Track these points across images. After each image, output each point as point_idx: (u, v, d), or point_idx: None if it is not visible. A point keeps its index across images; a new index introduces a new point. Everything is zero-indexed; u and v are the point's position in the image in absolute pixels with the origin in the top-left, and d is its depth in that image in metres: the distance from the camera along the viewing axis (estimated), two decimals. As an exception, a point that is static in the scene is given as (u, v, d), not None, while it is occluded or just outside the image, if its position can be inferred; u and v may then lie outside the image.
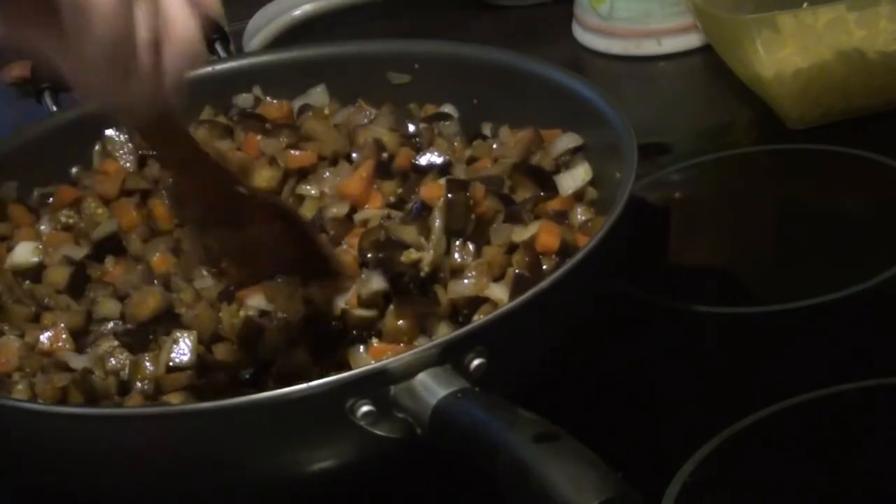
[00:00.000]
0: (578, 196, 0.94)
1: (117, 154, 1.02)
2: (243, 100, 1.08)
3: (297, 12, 1.40)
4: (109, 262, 0.95)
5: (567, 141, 0.97)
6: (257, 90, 1.08)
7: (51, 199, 1.01)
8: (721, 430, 0.84)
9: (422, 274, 0.86)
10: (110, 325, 0.89)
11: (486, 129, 1.02)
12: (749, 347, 0.94)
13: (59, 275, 0.93)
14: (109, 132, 1.03)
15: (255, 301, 0.87)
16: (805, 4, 1.20)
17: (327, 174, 0.96)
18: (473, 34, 1.38)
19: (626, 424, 0.87)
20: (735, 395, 0.88)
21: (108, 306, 0.90)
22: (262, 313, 0.87)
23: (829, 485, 0.81)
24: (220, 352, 0.86)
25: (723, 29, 1.19)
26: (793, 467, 0.82)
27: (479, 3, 1.49)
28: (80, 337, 0.89)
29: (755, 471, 0.82)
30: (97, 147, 1.04)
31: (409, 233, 0.87)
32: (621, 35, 1.33)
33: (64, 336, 0.88)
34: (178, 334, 0.85)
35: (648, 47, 1.33)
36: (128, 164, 1.02)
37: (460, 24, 1.46)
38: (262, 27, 1.39)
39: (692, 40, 1.31)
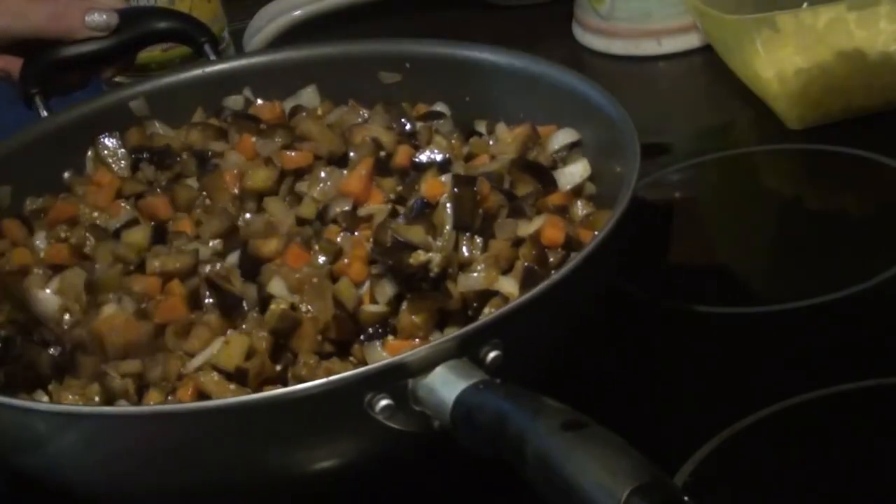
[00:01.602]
0: (577, 191, 0.94)
1: (110, 160, 1.02)
2: (233, 102, 1.07)
3: (298, 12, 1.40)
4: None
5: (564, 136, 0.97)
6: (248, 92, 1.08)
7: (42, 214, 1.00)
8: (721, 430, 0.84)
9: (431, 275, 0.86)
10: (207, 268, 0.89)
11: (481, 127, 1.02)
12: (749, 347, 0.94)
13: (140, 235, 0.92)
14: (103, 138, 1.03)
15: (276, 288, 0.87)
16: (805, 4, 1.21)
17: (323, 174, 0.96)
18: (473, 34, 1.37)
19: (626, 425, 0.87)
20: (735, 395, 0.88)
21: (205, 250, 0.90)
22: (293, 307, 0.86)
23: (830, 485, 0.81)
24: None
25: (723, 29, 1.19)
26: (793, 467, 0.82)
27: (479, 3, 1.49)
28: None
29: (755, 471, 0.82)
30: (90, 153, 1.03)
31: (416, 233, 0.87)
32: (621, 35, 1.33)
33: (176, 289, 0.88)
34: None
35: (648, 47, 1.33)
36: (121, 168, 1.02)
37: (460, 24, 1.46)
38: (262, 27, 1.39)
39: (692, 40, 1.32)
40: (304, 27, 1.40)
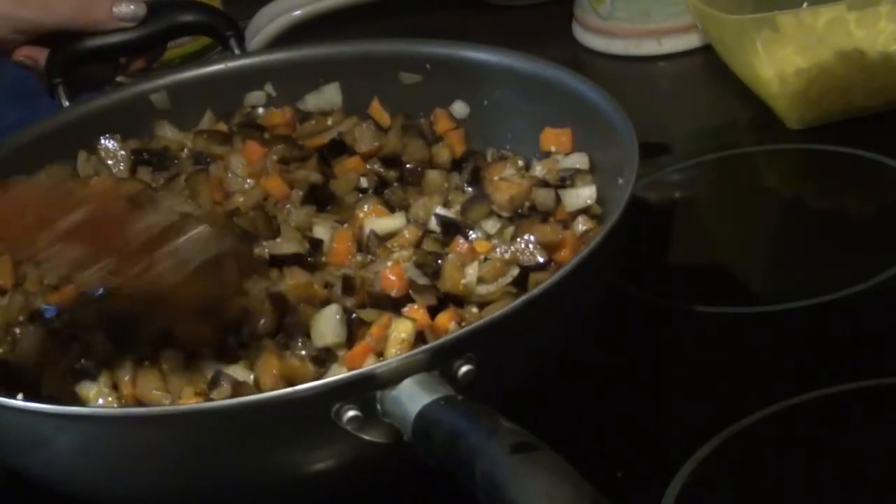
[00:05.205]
0: (584, 209, 0.94)
1: (109, 161, 1.02)
2: (255, 97, 1.08)
3: (298, 12, 1.40)
4: None
5: (574, 160, 0.96)
6: (269, 88, 1.08)
7: None
8: (721, 430, 0.84)
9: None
10: None
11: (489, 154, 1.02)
12: (749, 347, 0.94)
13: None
14: (103, 141, 1.03)
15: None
16: (805, 4, 1.21)
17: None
18: (473, 34, 1.38)
19: (626, 424, 0.87)
20: (735, 395, 0.88)
21: None
22: None
23: (829, 485, 0.81)
24: None
25: (723, 29, 1.19)
26: (793, 467, 0.82)
27: (479, 3, 1.49)
28: None
29: (755, 471, 0.82)
30: (82, 156, 1.03)
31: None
32: (621, 35, 1.34)
33: None
34: None
35: (648, 47, 1.33)
36: (120, 170, 1.02)
37: (460, 24, 1.46)
38: (262, 27, 1.39)
39: (692, 40, 1.32)
40: (304, 27, 1.40)
